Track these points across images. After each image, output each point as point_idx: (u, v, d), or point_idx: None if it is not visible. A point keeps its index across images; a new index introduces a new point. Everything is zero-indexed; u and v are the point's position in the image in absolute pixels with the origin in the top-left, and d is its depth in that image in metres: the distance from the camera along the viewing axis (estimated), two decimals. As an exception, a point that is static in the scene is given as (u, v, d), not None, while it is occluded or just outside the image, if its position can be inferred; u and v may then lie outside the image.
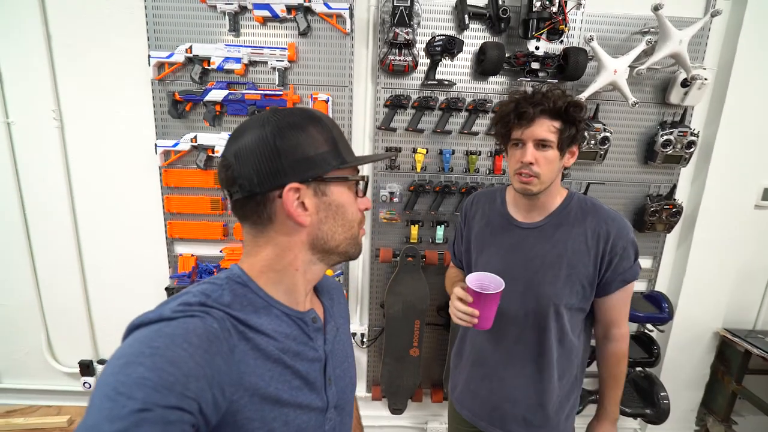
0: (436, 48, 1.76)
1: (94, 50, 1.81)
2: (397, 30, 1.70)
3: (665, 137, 1.83)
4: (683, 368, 2.17)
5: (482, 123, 1.89)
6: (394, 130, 1.89)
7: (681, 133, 1.82)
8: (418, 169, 1.92)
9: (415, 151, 1.90)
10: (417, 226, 1.99)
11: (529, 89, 1.12)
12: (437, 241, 1.99)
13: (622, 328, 1.20)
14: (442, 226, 1.98)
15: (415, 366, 2.06)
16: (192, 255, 2.00)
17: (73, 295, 2.08)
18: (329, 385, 0.70)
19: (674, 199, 1.93)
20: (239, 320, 0.59)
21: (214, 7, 1.73)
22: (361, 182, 0.70)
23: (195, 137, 1.82)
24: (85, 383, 2.17)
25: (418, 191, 1.92)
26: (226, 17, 1.74)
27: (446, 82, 1.83)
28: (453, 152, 1.91)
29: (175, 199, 1.93)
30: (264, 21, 1.76)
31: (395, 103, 1.84)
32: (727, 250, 2.02)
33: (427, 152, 1.90)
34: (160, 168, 1.89)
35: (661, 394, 1.94)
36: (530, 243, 1.17)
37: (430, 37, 1.77)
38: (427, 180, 1.94)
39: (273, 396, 0.59)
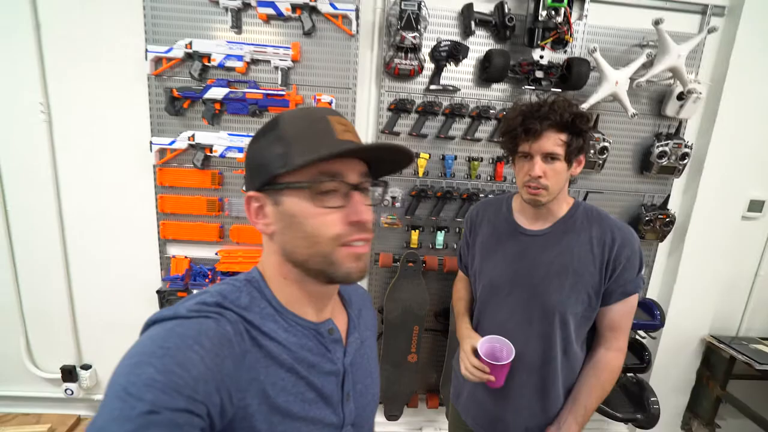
0: (442, 53, 1.76)
1: (87, 42, 1.73)
2: (405, 34, 1.69)
3: (661, 148, 1.88)
4: (671, 374, 2.22)
5: (485, 129, 1.90)
6: (397, 134, 1.87)
7: (676, 145, 1.88)
8: (420, 174, 1.92)
9: (417, 155, 1.89)
10: (417, 231, 1.98)
11: (534, 98, 1.12)
12: (437, 247, 1.99)
13: (620, 341, 1.17)
14: (443, 231, 1.98)
15: (413, 372, 2.05)
16: (186, 257, 1.94)
17: (56, 297, 1.98)
18: (347, 401, 0.67)
19: (667, 209, 1.98)
20: (253, 325, 0.58)
21: (216, 3, 1.68)
22: (316, 186, 0.57)
23: (193, 136, 1.77)
24: (67, 390, 2.07)
25: (420, 196, 1.92)
26: (229, 13, 1.69)
27: (450, 88, 1.83)
28: (455, 158, 1.91)
29: (170, 199, 1.86)
30: (267, 19, 1.72)
31: (399, 107, 1.83)
32: (715, 259, 2.09)
33: (429, 157, 1.89)
34: (154, 166, 1.83)
35: (652, 399, 1.97)
36: (536, 250, 1.17)
37: (435, 42, 1.77)
38: (429, 185, 1.93)
39: (282, 407, 0.57)
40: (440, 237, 1.99)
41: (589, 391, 1.17)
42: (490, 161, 1.94)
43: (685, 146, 1.88)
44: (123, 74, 1.76)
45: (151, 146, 1.78)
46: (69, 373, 2.06)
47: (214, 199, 1.87)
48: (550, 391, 1.18)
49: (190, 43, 1.68)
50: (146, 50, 1.69)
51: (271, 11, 1.68)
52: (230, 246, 1.94)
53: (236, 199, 1.90)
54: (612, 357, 1.17)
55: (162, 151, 1.80)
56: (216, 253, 1.94)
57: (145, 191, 1.87)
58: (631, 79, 1.77)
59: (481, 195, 1.93)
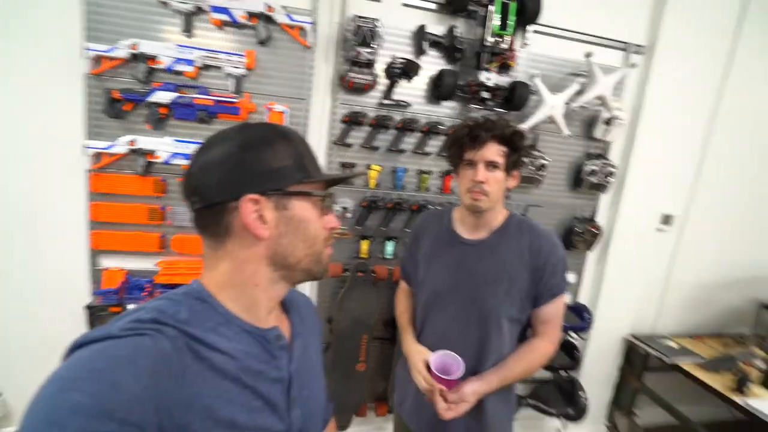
0: (396, 70, 1.81)
1: (13, 32, 1.56)
2: (360, 49, 1.72)
3: (591, 167, 2.07)
4: (598, 370, 2.44)
5: (434, 144, 1.98)
6: (349, 145, 1.90)
7: (603, 164, 2.08)
8: (372, 186, 1.95)
9: (369, 167, 1.92)
10: (368, 241, 2.01)
11: (478, 116, 1.23)
12: (386, 257, 2.03)
13: (552, 335, 1.28)
14: (392, 241, 2.03)
15: (362, 381, 2.06)
16: (121, 269, 1.80)
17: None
18: (293, 407, 0.67)
19: (595, 222, 2.18)
20: (195, 338, 0.56)
21: (165, 4, 1.60)
22: (326, 199, 0.68)
23: (134, 140, 1.66)
24: (-35, 423, 1.83)
25: (371, 207, 1.95)
26: (181, 16, 1.62)
27: (403, 103, 1.89)
28: (406, 171, 1.97)
29: (105, 207, 1.73)
30: (221, 25, 1.67)
31: (353, 120, 1.85)
32: (635, 266, 2.34)
33: (381, 169, 1.94)
34: (87, 171, 1.69)
35: (581, 394, 2.17)
36: (474, 258, 1.26)
37: (390, 59, 1.82)
38: (380, 196, 1.96)
39: (227, 419, 0.56)
40: (389, 247, 2.03)
41: (516, 359, 1.25)
42: (439, 174, 2.02)
43: (611, 166, 2.09)
44: (55, 71, 1.60)
45: (84, 149, 1.64)
46: (-30, 403, 1.82)
47: (156, 207, 1.77)
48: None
49: (136, 44, 1.59)
50: (86, 48, 1.57)
51: (225, 17, 1.64)
52: (171, 257, 1.84)
53: (180, 207, 1.80)
54: (543, 344, 1.28)
55: (97, 156, 1.68)
56: (155, 264, 1.83)
57: (73, 197, 1.71)
58: (566, 104, 1.94)
59: (430, 207, 2.00)
